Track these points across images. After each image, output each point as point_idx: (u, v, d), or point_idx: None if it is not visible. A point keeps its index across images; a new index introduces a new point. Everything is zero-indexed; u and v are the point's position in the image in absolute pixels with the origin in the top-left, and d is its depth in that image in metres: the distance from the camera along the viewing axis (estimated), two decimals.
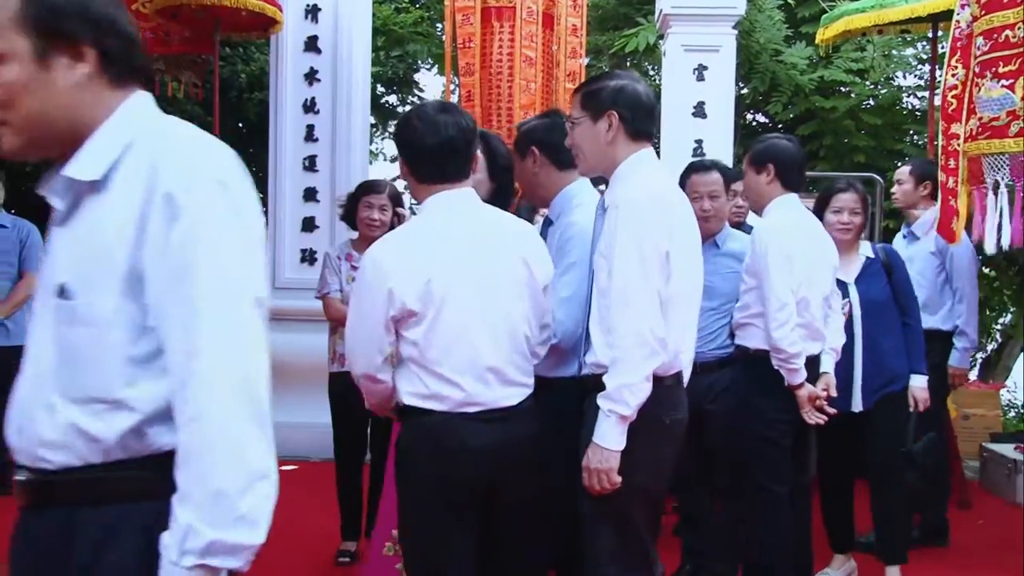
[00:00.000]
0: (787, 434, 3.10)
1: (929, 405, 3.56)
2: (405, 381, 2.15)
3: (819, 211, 3.50)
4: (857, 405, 3.51)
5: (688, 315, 2.28)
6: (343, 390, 3.88)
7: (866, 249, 3.60)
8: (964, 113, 3.65)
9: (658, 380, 2.16)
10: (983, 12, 3.49)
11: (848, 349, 3.41)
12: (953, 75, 3.71)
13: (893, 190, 4.40)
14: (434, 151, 2.17)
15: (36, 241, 4.99)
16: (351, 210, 3.90)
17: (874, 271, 3.56)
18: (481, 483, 2.15)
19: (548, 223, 2.63)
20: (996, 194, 3.63)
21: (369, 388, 2.21)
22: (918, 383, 3.55)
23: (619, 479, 2.12)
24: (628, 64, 8.83)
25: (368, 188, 3.92)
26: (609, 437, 2.11)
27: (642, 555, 2.21)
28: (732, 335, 3.32)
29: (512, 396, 2.18)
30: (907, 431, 3.54)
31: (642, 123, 2.30)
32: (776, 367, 3.03)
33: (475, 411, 2.12)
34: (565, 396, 2.34)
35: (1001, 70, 3.41)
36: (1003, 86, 3.39)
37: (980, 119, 3.50)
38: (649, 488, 2.19)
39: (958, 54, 3.72)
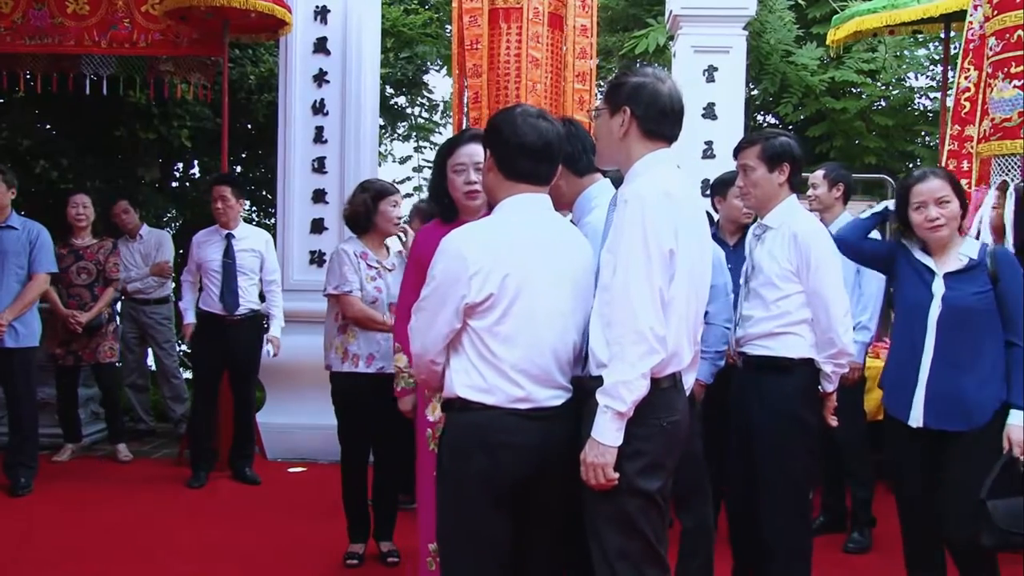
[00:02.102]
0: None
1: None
2: (462, 373, 2.23)
3: (901, 210, 3.06)
4: (916, 419, 2.94)
5: (689, 317, 2.26)
6: (350, 390, 3.88)
7: (970, 248, 2.98)
8: (978, 115, 3.61)
9: (654, 382, 2.16)
10: (995, 12, 3.46)
11: (909, 352, 2.98)
12: (966, 77, 3.68)
13: (808, 192, 4.45)
14: (533, 153, 2.27)
15: (45, 242, 4.97)
16: (371, 211, 3.88)
17: (972, 276, 2.92)
18: (525, 480, 2.21)
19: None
20: (1004, 194, 3.60)
21: (423, 366, 2.32)
22: (1016, 421, 2.81)
23: (615, 475, 2.13)
24: (639, 65, 8.81)
25: (389, 189, 3.96)
26: (606, 433, 2.12)
27: (651, 554, 2.20)
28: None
29: (557, 397, 2.26)
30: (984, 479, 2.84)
31: (656, 123, 2.28)
32: (830, 372, 3.03)
33: (526, 408, 2.20)
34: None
35: (1013, 70, 3.38)
36: (1015, 87, 3.37)
37: (992, 120, 3.47)
38: (649, 491, 2.18)
39: (971, 56, 3.70)
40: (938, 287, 2.95)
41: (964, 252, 2.96)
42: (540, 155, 2.28)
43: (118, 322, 6.20)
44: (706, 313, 3.26)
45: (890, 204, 3.26)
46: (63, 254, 5.48)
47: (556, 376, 2.26)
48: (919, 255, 3.03)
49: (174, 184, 8.84)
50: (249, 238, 5.30)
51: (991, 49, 3.49)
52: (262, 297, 5.35)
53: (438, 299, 2.23)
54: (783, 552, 3.05)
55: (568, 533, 2.36)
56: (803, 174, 4.62)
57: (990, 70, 3.50)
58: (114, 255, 5.66)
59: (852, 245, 3.29)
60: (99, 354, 5.57)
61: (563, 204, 2.67)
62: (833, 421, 3.14)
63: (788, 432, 3.01)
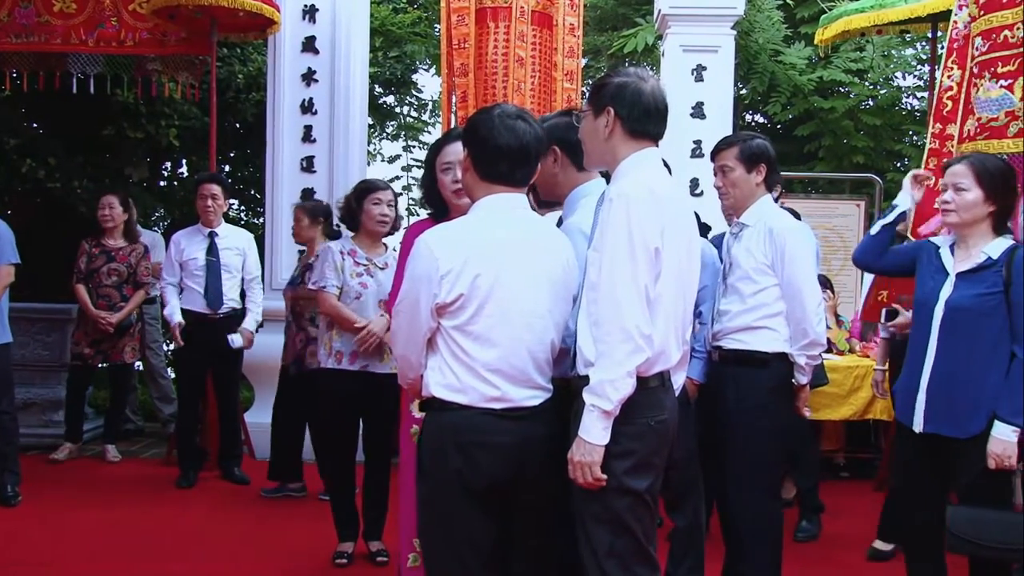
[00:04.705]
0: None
1: (1010, 466, 2.71)
2: (436, 372, 2.24)
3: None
4: (918, 424, 2.87)
5: (676, 316, 2.26)
6: (337, 386, 3.87)
7: (995, 247, 2.81)
8: (960, 114, 3.63)
9: (641, 381, 2.16)
10: (981, 12, 3.48)
11: (918, 354, 2.90)
12: (949, 76, 3.69)
13: None
14: (508, 154, 2.26)
15: (2, 234, 4.62)
16: (355, 210, 3.90)
17: (983, 277, 2.78)
18: (502, 479, 2.21)
19: (560, 222, 2.62)
20: None
21: (405, 369, 2.32)
22: (1001, 434, 2.68)
23: (603, 475, 2.13)
24: (626, 64, 8.82)
25: (373, 186, 3.96)
26: (592, 431, 2.12)
27: (641, 553, 2.20)
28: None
29: (535, 397, 2.25)
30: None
31: (640, 122, 2.28)
32: (804, 364, 3.09)
33: (501, 408, 2.20)
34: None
35: (1000, 70, 3.40)
36: (1002, 86, 3.39)
37: (979, 119, 3.48)
38: (638, 490, 2.18)
39: (954, 55, 3.72)
40: (946, 288, 2.84)
41: (986, 250, 2.81)
42: (516, 158, 2.27)
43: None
44: (699, 313, 3.29)
45: (902, 208, 3.18)
46: (95, 254, 5.48)
47: (533, 376, 2.25)
48: (944, 253, 2.92)
49: (162, 183, 8.80)
50: (231, 236, 5.32)
51: (977, 49, 3.51)
52: (242, 295, 5.35)
53: (412, 300, 2.23)
54: (757, 543, 3.11)
55: (554, 533, 2.36)
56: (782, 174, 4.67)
57: (976, 70, 3.51)
58: (146, 259, 5.65)
59: (872, 266, 3.28)
60: (124, 354, 5.59)
61: (557, 194, 2.63)
62: (807, 412, 3.22)
63: (760, 424, 3.08)
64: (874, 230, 3.23)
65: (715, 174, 3.28)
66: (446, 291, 2.18)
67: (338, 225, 5.02)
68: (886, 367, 4.42)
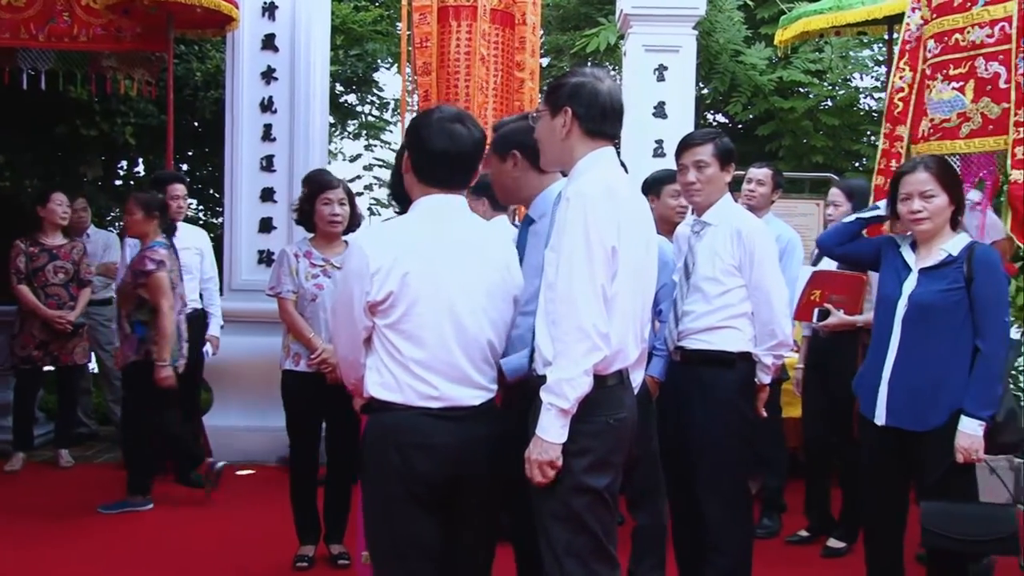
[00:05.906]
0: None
1: (977, 459, 2.77)
2: (374, 372, 2.24)
3: (892, 202, 3.00)
4: (880, 417, 2.92)
5: (634, 314, 2.27)
6: (297, 389, 3.84)
7: (954, 244, 2.87)
8: (910, 115, 3.69)
9: (600, 379, 2.17)
10: (934, 15, 3.53)
11: (881, 349, 2.94)
12: (900, 78, 3.74)
13: (751, 187, 4.35)
14: (444, 159, 2.27)
15: None
16: (308, 211, 3.85)
17: (944, 273, 2.84)
18: (442, 480, 2.21)
19: (529, 222, 2.60)
20: None
21: (348, 370, 2.34)
22: (968, 428, 2.74)
23: (561, 472, 2.14)
24: (589, 64, 8.84)
25: (324, 185, 3.88)
26: (550, 430, 2.13)
27: (599, 551, 2.21)
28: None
29: (474, 397, 2.25)
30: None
31: (597, 122, 2.29)
32: (770, 364, 3.10)
33: (438, 407, 2.20)
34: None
35: (951, 72, 3.45)
36: (953, 88, 3.44)
37: (931, 120, 3.53)
38: (596, 488, 2.19)
39: (906, 56, 3.77)
40: (909, 284, 2.89)
41: (946, 248, 2.87)
42: (453, 163, 2.29)
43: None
44: (660, 312, 3.29)
45: (882, 209, 3.17)
46: (34, 253, 5.36)
47: (472, 375, 2.26)
48: (904, 250, 2.97)
49: (117, 182, 8.64)
50: (189, 236, 5.25)
51: (930, 51, 3.56)
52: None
53: (347, 298, 2.25)
54: (729, 544, 3.08)
55: (496, 534, 2.37)
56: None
57: (928, 71, 3.56)
58: (86, 256, 5.56)
59: (833, 251, 3.32)
60: (75, 355, 5.47)
61: (520, 198, 2.63)
62: (763, 412, 3.20)
63: (729, 425, 3.07)
64: (848, 219, 3.29)
65: (683, 170, 3.16)
66: (376, 289, 2.18)
67: (173, 217, 4.91)
68: (804, 366, 4.41)
